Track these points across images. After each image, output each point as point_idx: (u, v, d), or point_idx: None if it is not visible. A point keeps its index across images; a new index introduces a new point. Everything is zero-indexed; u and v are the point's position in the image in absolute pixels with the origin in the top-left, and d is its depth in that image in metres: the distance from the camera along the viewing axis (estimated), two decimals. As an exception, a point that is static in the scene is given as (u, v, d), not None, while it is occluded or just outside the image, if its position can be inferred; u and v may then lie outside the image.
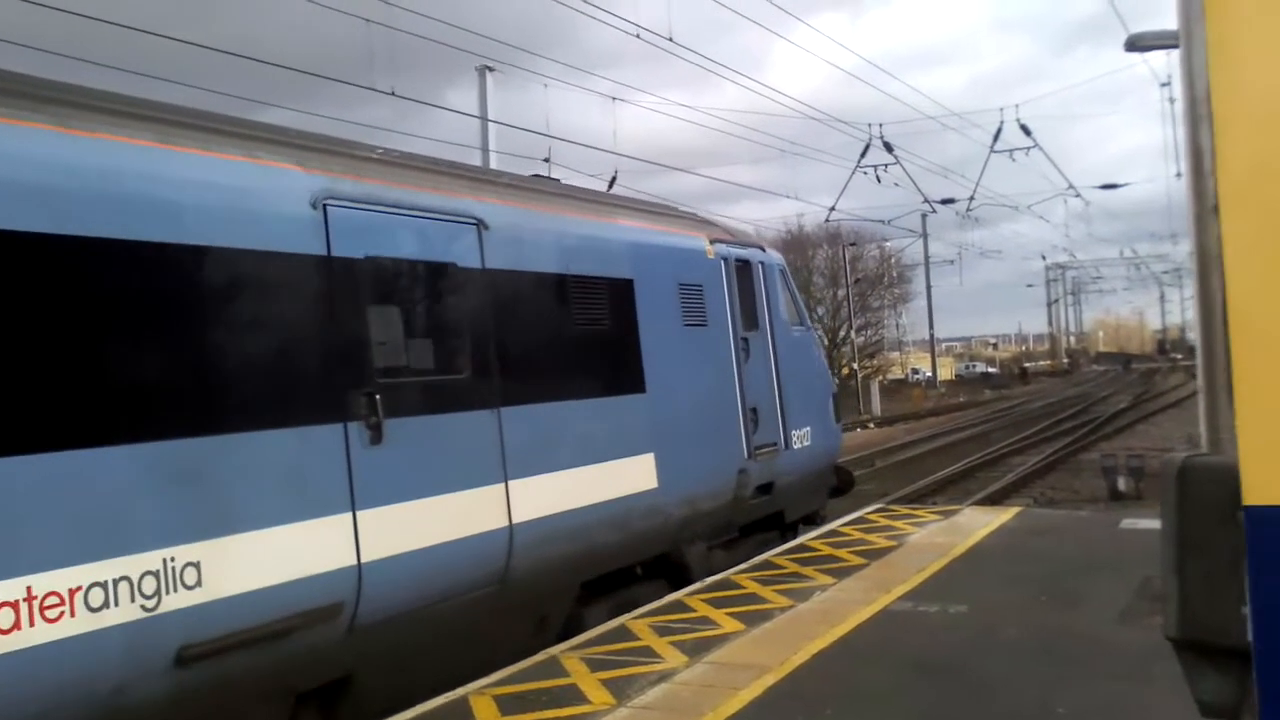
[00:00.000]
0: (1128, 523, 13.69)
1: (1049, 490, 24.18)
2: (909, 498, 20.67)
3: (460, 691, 7.70)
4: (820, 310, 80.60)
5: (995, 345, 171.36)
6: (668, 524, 11.27)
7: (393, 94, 21.08)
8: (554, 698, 7.46)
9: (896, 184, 45.20)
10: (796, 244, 77.04)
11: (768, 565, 11.78)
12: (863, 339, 78.65)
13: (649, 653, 8.45)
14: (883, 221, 57.08)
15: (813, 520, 15.86)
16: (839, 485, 16.46)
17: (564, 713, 7.16)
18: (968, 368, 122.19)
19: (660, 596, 10.77)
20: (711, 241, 12.97)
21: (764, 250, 14.43)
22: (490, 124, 26.86)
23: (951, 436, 38.73)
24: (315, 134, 8.73)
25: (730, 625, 9.17)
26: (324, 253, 7.55)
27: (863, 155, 42.06)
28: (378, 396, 7.71)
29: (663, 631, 9.06)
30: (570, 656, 8.52)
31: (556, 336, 9.85)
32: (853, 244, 75.40)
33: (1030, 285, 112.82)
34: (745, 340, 13.28)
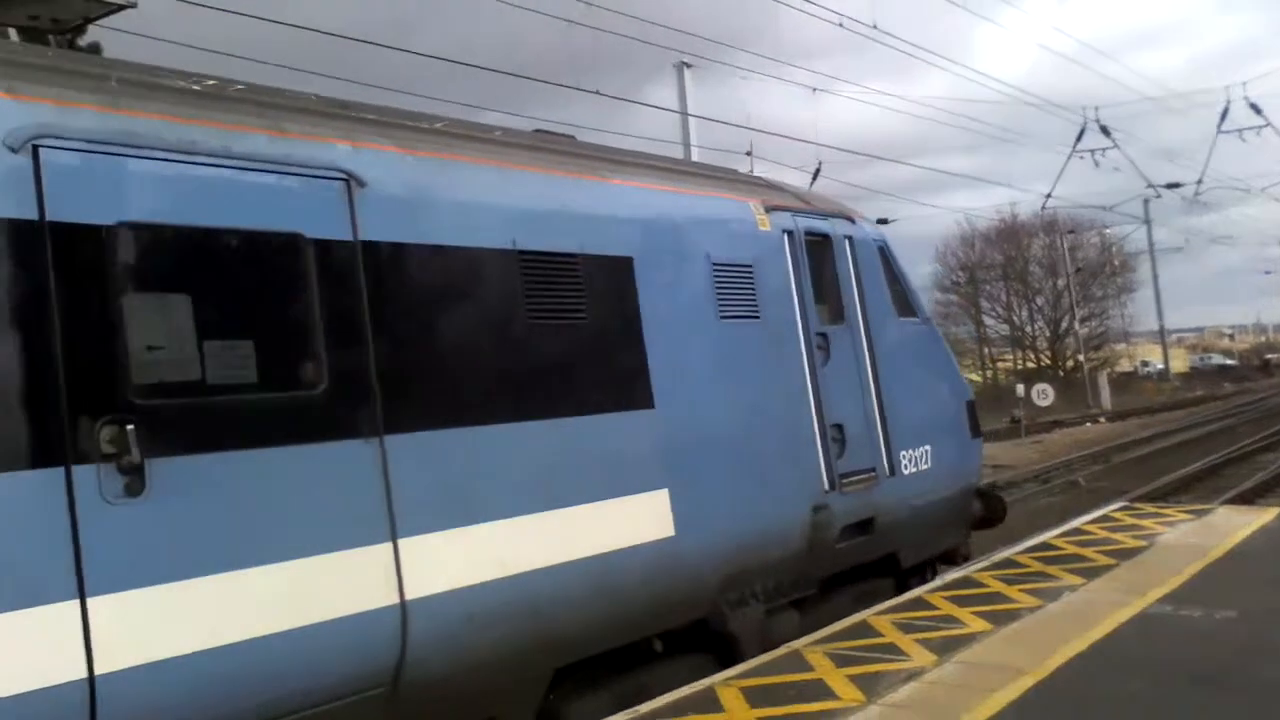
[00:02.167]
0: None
1: (1307, 489, 22.98)
2: (1153, 495, 20.30)
3: (706, 682, 7.69)
4: (1039, 300, 76.88)
5: (1231, 336, 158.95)
6: (697, 583, 8.34)
7: (597, 93, 21.53)
8: (801, 692, 7.35)
9: (1116, 169, 42.26)
10: (1010, 233, 74.89)
11: (1010, 564, 11.20)
12: (1086, 330, 77.06)
13: (895, 650, 8.25)
14: (1103, 208, 54.36)
15: (951, 560, 12.54)
16: (986, 515, 13.06)
17: (813, 707, 7.05)
18: (1202, 359, 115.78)
19: (700, 676, 7.87)
20: (769, 209, 9.99)
21: (853, 221, 11.29)
22: (690, 119, 27.54)
23: (1191, 432, 37.94)
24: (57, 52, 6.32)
25: (977, 624, 8.81)
26: (29, 216, 5.10)
27: (1078, 140, 40.41)
28: (130, 426, 5.19)
29: (907, 628, 8.79)
30: (813, 651, 8.37)
31: (491, 335, 7.13)
32: (1071, 231, 73.62)
33: (1268, 272, 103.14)
34: (823, 337, 10.21)
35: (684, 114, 27.65)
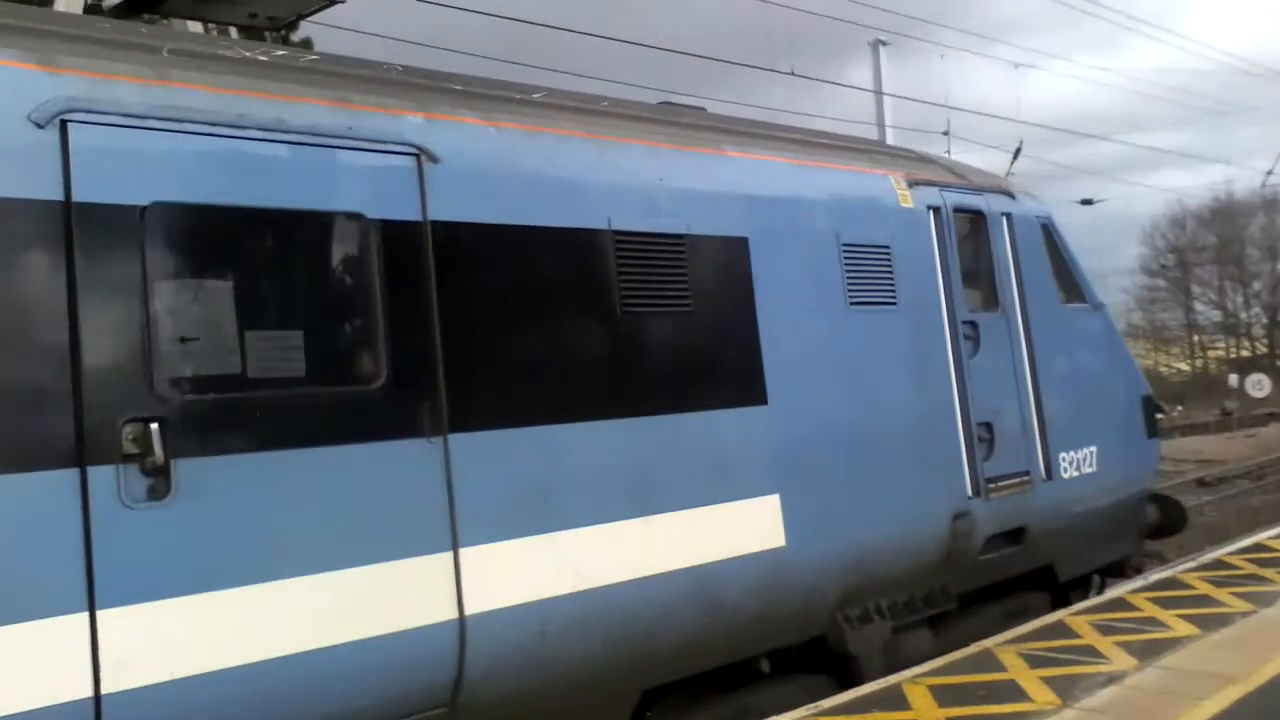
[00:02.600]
0: None
1: None
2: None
3: (893, 679, 7.43)
4: (1256, 285, 72.26)
5: None
6: (811, 597, 7.58)
7: (791, 74, 21.23)
8: (992, 692, 7.06)
9: (1348, 142, 38.46)
10: (1225, 213, 71.33)
11: (1220, 565, 10.47)
12: (1312, 317, 72.30)
13: (1092, 652, 7.85)
14: (1331, 185, 49.56)
15: (1119, 573, 11.36)
16: (1162, 523, 11.77)
17: (1005, 709, 6.75)
18: None
19: (815, 698, 7.15)
20: (912, 183, 9.03)
21: (1013, 196, 10.18)
22: (886, 98, 27.02)
23: None
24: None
25: (1182, 628, 8.30)
26: (55, 196, 4.73)
27: (1303, 111, 36.71)
28: (155, 425, 4.79)
29: (1106, 630, 8.36)
30: (1006, 650, 7.98)
31: (576, 324, 6.51)
32: (1294, 210, 69.18)
33: None
34: (972, 325, 9.22)
35: (879, 93, 27.19)
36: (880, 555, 8.05)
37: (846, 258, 8.23)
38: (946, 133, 25.99)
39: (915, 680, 7.29)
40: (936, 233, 9.09)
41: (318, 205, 5.50)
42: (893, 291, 8.56)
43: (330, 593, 5.26)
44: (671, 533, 6.71)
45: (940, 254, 9.07)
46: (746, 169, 7.75)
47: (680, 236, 7.11)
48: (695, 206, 7.24)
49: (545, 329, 6.32)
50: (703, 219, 7.25)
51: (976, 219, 9.61)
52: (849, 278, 8.21)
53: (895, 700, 6.97)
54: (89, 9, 7.06)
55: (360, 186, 5.67)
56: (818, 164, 8.39)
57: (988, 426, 9.14)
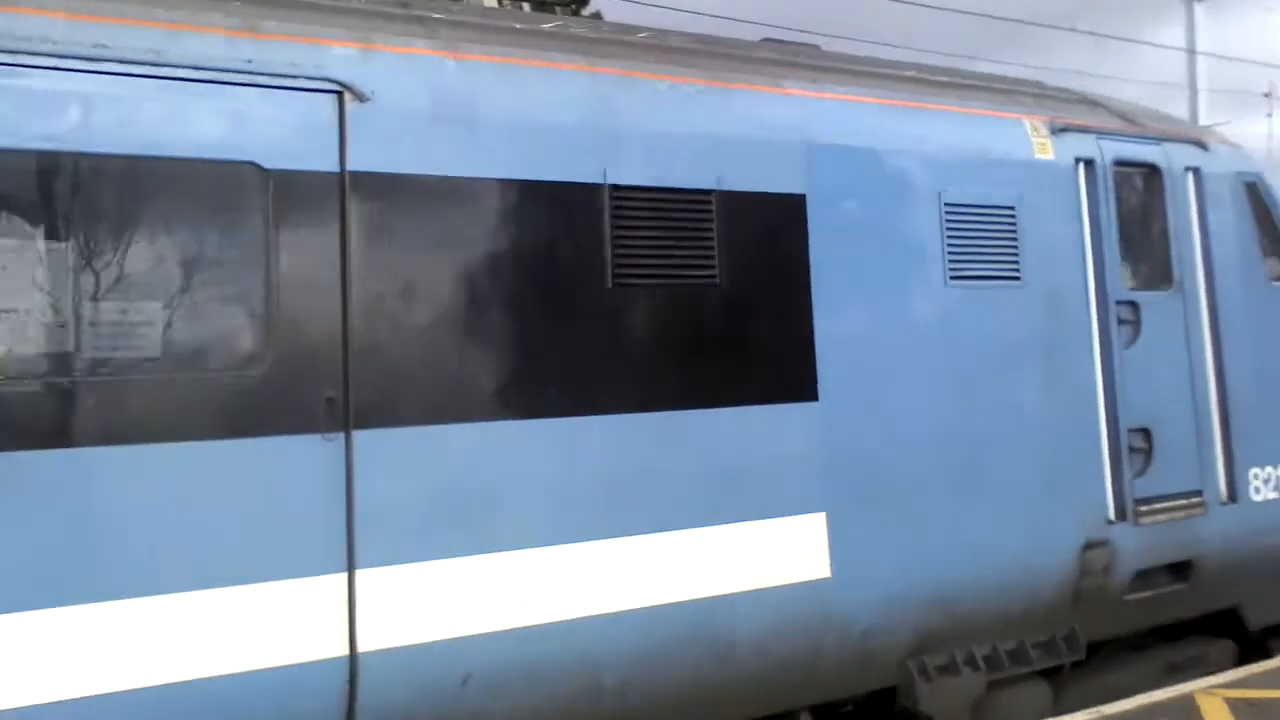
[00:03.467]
0: None
1: None
2: None
3: (1185, 688, 6.97)
4: None
5: None
6: (867, 642, 6.14)
7: (1091, 34, 20.76)
8: None
9: None
10: None
11: None
12: None
13: None
14: None
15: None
16: None
17: None
18: None
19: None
20: (1055, 130, 7.26)
21: (1205, 148, 8.13)
22: (1199, 58, 25.42)
23: None
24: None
25: None
26: None
27: None
28: None
29: None
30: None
31: (551, 299, 5.31)
32: None
33: None
34: (1132, 306, 7.39)
35: (1191, 52, 25.34)
36: (972, 592, 6.48)
37: (950, 221, 6.63)
38: (1269, 94, 24.97)
39: (1210, 691, 6.64)
40: (1087, 190, 7.29)
41: (191, 153, 4.54)
42: (1015, 263, 6.88)
43: (179, 619, 4.35)
44: (663, 558, 5.46)
45: (1090, 217, 7.28)
46: (811, 110, 6.27)
47: (706, 193, 5.76)
48: (731, 156, 5.87)
49: (500, 304, 5.16)
50: (741, 171, 5.88)
51: (1149, 174, 7.70)
52: (952, 246, 6.62)
53: (1186, 710, 6.41)
54: None
55: (255, 131, 4.66)
56: (916, 104, 6.78)
57: (1144, 433, 7.33)
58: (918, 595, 6.27)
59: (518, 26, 5.76)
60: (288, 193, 4.67)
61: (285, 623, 4.56)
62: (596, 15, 15.10)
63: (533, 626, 5.07)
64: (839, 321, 6.12)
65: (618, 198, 5.49)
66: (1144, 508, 7.23)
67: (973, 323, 6.64)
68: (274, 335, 4.62)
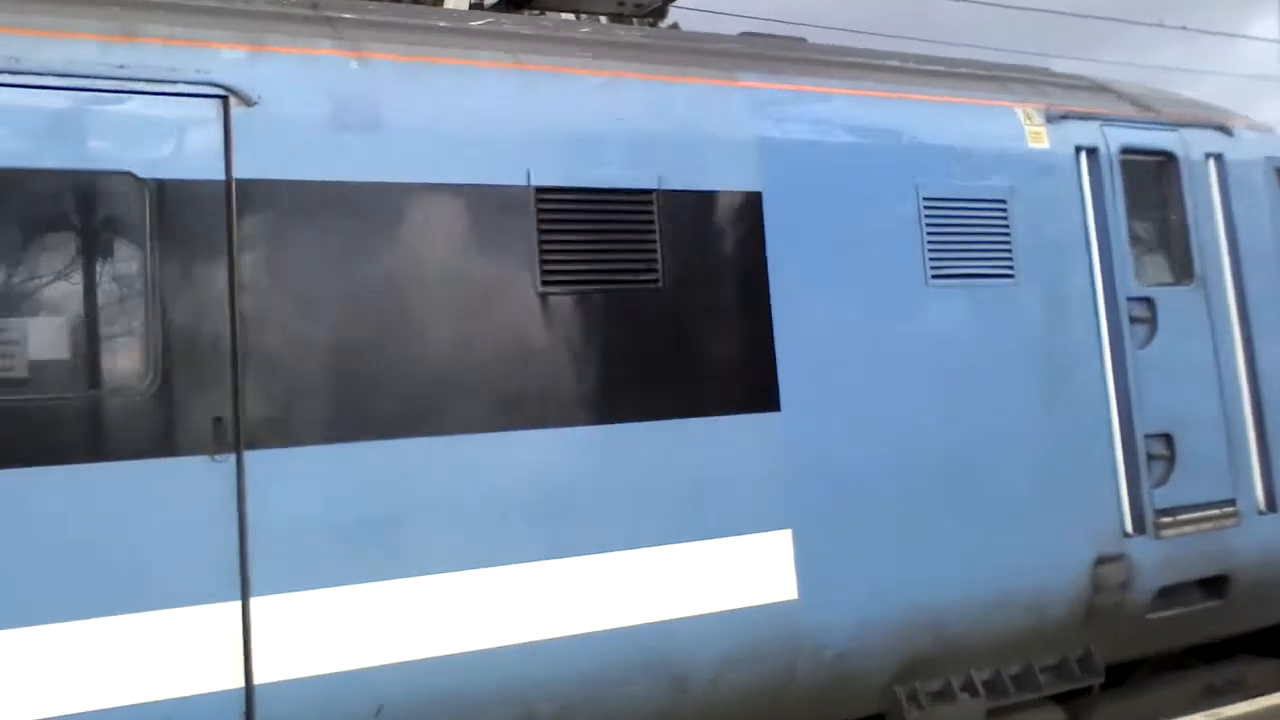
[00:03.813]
0: None
1: None
2: None
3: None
4: None
5: None
6: (843, 667, 5.70)
7: (1184, 29, 20.26)
8: None
9: None
10: None
11: None
12: None
13: None
14: None
15: None
16: None
17: None
18: None
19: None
20: (1053, 118, 6.79)
21: (1229, 133, 7.54)
22: None
23: None
24: None
25: None
26: None
27: None
28: None
29: None
30: None
31: (469, 307, 5.03)
32: None
33: None
34: (1146, 303, 6.86)
35: None
36: (964, 612, 6.01)
37: (930, 216, 6.20)
38: (1385, 88, 23.86)
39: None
40: (1090, 181, 6.79)
41: (61, 164, 4.38)
42: (1008, 260, 6.42)
43: (60, 650, 4.16)
44: (606, 581, 5.12)
45: (1095, 209, 6.78)
46: (770, 103, 5.92)
47: (645, 193, 5.45)
48: (674, 153, 5.55)
49: (411, 314, 4.90)
50: (685, 169, 5.56)
51: (1164, 163, 7.16)
52: (933, 242, 6.19)
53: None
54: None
55: (131, 140, 4.49)
56: (891, 94, 6.37)
57: (1165, 439, 6.77)
58: (899, 616, 5.81)
59: (441, 24, 5.53)
60: (168, 203, 4.48)
61: (174, 653, 4.33)
62: (675, 26, 14.89)
63: (453, 655, 4.77)
64: (803, 325, 5.74)
65: (544, 199, 5.20)
66: (1166, 519, 6.66)
67: (958, 323, 6.20)
68: (157, 353, 4.42)
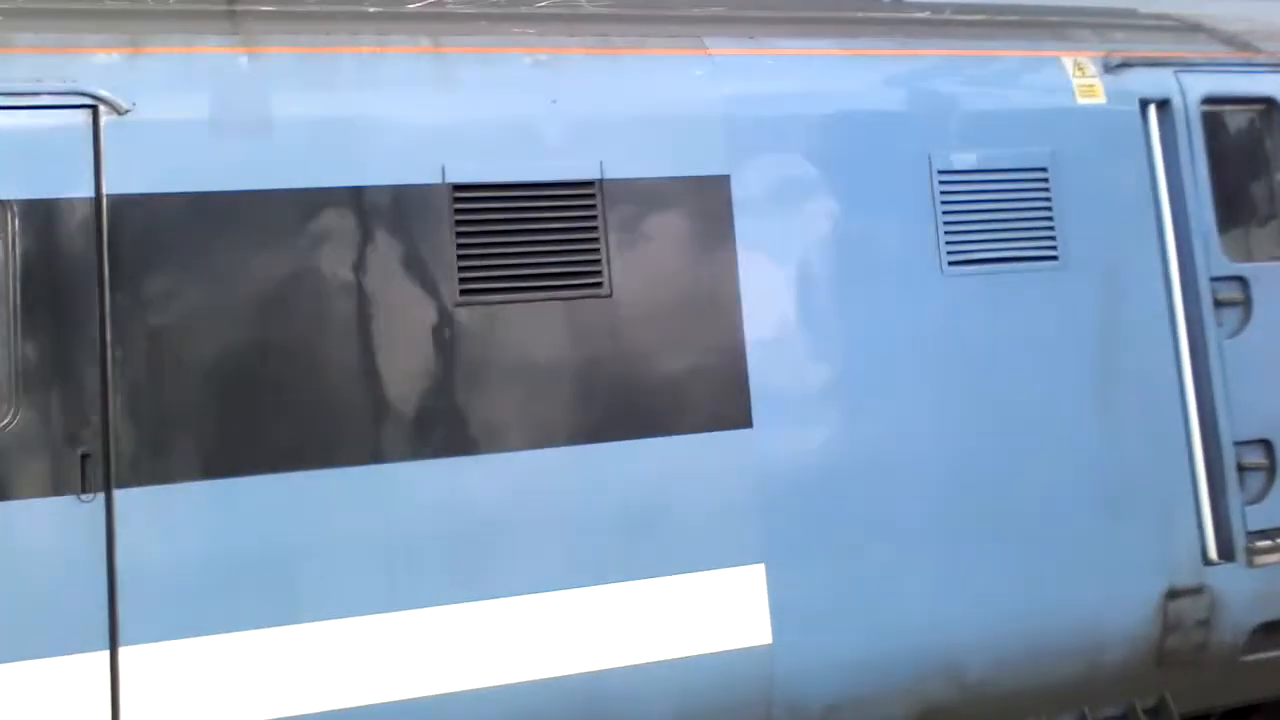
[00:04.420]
0: None
1: None
2: None
3: None
4: None
5: None
6: (834, 722, 4.96)
7: None
8: None
9: None
10: None
11: None
12: None
13: None
14: None
15: None
16: None
17: None
18: None
19: None
20: (1112, 67, 5.77)
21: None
22: None
23: None
24: None
25: None
26: None
27: None
28: None
29: None
30: None
31: (372, 324, 4.53)
32: None
33: None
34: (1239, 282, 5.77)
35: None
36: (990, 655, 5.15)
37: (947, 192, 5.34)
38: None
39: None
40: (1161, 140, 5.75)
41: None
42: (1050, 239, 5.48)
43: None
44: (535, 624, 4.56)
45: (1168, 173, 5.73)
46: (742, 71, 5.19)
47: (585, 184, 4.83)
48: (621, 137, 4.90)
49: (305, 335, 4.44)
50: (634, 155, 4.90)
51: (1266, 111, 6.01)
52: (950, 223, 5.33)
53: None
54: None
55: None
56: (899, 52, 5.51)
57: (1264, 447, 5.68)
58: (904, 661, 5.01)
59: (370, 10, 5.04)
60: (32, 225, 4.17)
61: (36, 707, 4.03)
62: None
63: (349, 709, 4.31)
64: (783, 327, 5.00)
65: (462, 199, 4.65)
66: (1264, 544, 5.58)
67: (984, 316, 5.31)
68: (18, 387, 4.12)
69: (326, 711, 4.28)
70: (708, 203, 4.95)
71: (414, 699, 4.37)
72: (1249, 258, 5.88)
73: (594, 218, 4.79)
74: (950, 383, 5.19)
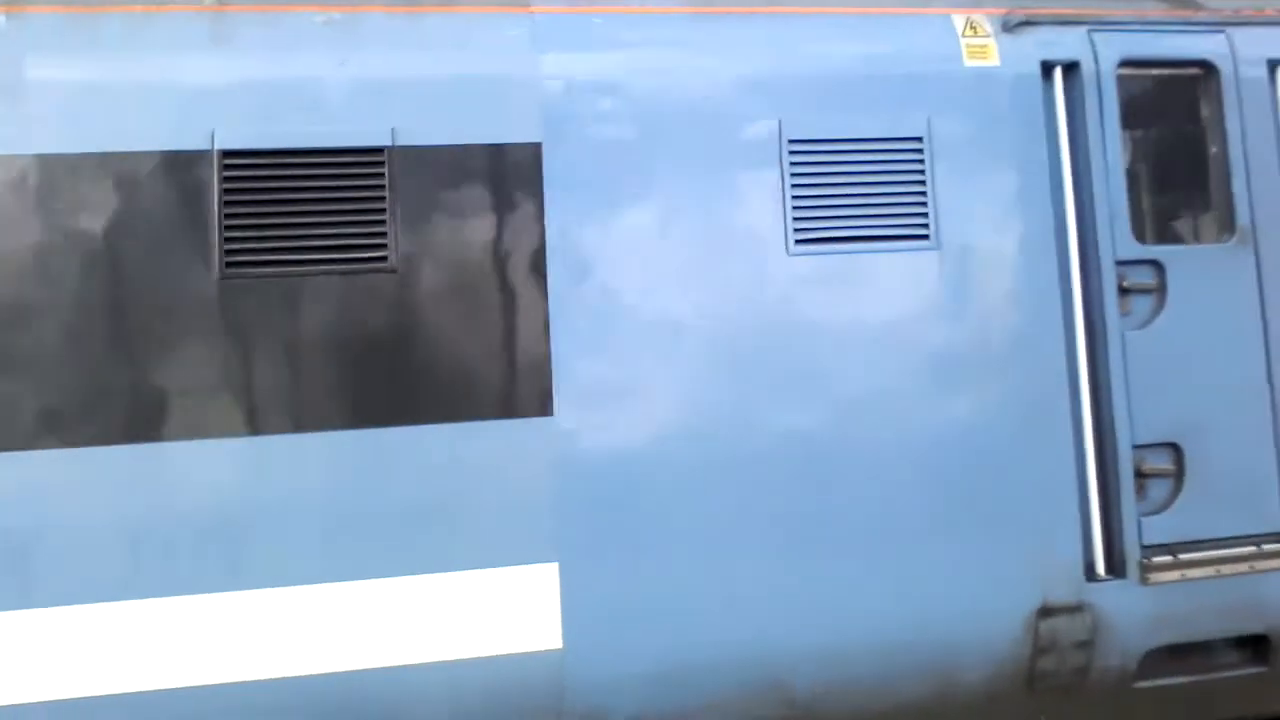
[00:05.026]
0: None
1: None
2: None
3: None
4: None
5: None
6: (634, 737, 4.59)
7: None
8: None
9: None
10: None
11: None
12: None
13: None
14: None
15: None
16: None
17: None
18: None
19: None
20: (1011, 26, 5.19)
21: (1313, 29, 5.53)
22: None
23: None
24: None
25: None
26: None
27: None
28: None
29: None
30: None
31: (114, 296, 4.31)
32: None
33: None
34: (1151, 266, 5.16)
35: None
36: (824, 671, 4.70)
37: (798, 164, 4.86)
38: None
39: None
40: (1067, 107, 5.15)
41: None
42: (922, 217, 4.96)
43: None
44: (277, 619, 4.30)
45: (1071, 145, 5.14)
46: (564, 29, 4.79)
47: (374, 151, 4.51)
48: (418, 102, 4.57)
49: (55, 307, 4.24)
50: (432, 121, 4.57)
51: (1196, 77, 5.35)
52: (799, 198, 4.85)
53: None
54: None
55: None
56: (749, 8, 5.02)
57: (1171, 451, 5.08)
58: (720, 674, 4.61)
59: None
60: None
61: None
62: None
63: (73, 699, 4.13)
64: (596, 310, 4.62)
65: (232, 165, 4.39)
66: (1162, 559, 4.99)
67: (833, 302, 4.83)
68: None
69: (50, 701, 4.11)
70: (514, 172, 4.59)
71: (125, 694, 4.16)
72: (1173, 241, 5.25)
73: (381, 187, 4.48)
74: (788, 374, 4.74)
